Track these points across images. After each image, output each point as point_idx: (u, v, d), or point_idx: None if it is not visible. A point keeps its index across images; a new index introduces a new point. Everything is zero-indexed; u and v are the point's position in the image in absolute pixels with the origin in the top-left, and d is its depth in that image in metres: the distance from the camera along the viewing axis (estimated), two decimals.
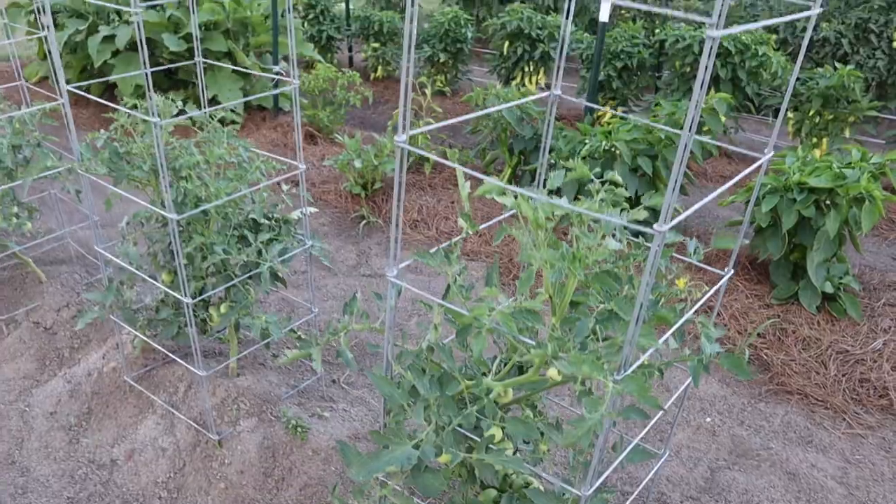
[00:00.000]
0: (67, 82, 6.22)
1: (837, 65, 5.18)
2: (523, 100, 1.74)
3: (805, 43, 1.39)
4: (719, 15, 0.96)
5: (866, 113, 5.18)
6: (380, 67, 7.31)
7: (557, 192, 3.77)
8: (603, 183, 1.60)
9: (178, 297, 2.27)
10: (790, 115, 5.49)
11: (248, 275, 2.45)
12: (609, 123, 4.15)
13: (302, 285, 3.72)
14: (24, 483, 2.56)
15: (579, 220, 1.40)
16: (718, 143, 1.61)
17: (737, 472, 2.67)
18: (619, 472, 2.62)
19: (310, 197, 2.94)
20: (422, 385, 1.47)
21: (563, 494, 1.64)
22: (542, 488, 1.68)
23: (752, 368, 3.26)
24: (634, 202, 3.84)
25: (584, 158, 3.77)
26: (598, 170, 3.65)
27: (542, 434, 1.67)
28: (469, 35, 6.73)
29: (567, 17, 1.57)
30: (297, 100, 2.38)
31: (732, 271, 1.69)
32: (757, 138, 6.34)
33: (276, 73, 5.67)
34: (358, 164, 4.20)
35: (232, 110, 5.72)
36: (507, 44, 6.25)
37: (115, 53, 5.73)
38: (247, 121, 5.78)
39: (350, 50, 7.92)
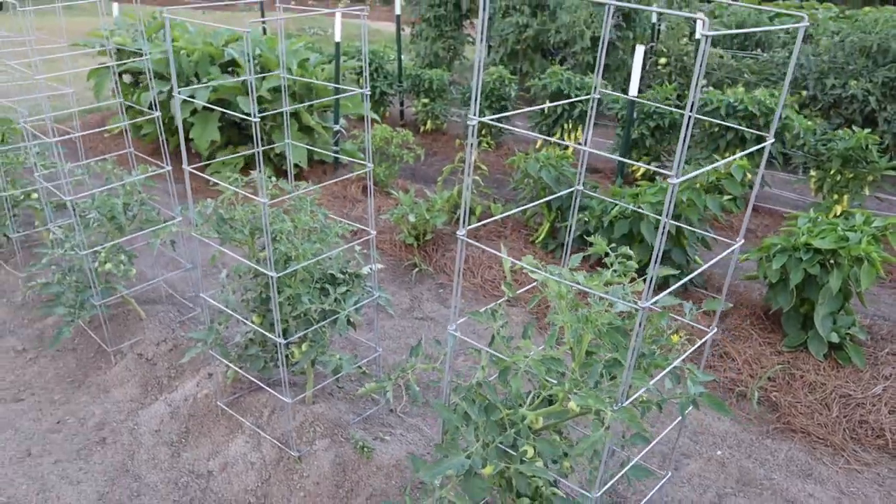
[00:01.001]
0: (145, 136, 6.90)
1: (855, 128, 5.57)
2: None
3: (788, 76, 1.87)
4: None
5: (884, 172, 5.56)
6: (429, 121, 7.91)
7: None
8: (617, 255, 2.09)
9: (272, 337, 2.79)
10: (812, 173, 5.89)
11: (327, 320, 2.97)
12: (640, 183, 4.62)
13: (363, 325, 4.23)
14: (137, 488, 3.09)
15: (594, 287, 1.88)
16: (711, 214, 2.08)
17: (741, 499, 3.07)
18: (634, 493, 3.04)
19: (376, 254, 3.45)
20: (472, 411, 1.95)
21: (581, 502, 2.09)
22: (563, 495, 2.14)
23: (762, 409, 3.66)
24: (663, 257, 4.28)
25: (614, 218, 4.24)
26: (626, 230, 4.13)
27: (565, 454, 2.13)
28: (513, 94, 7.29)
29: (597, 74, 2.07)
30: (371, 188, 2.91)
31: (716, 329, 2.15)
32: (783, 194, 6.73)
33: (336, 132, 6.28)
34: (412, 217, 4.72)
35: (297, 164, 6.34)
36: (548, 103, 6.78)
37: (193, 112, 6.40)
38: (310, 173, 6.38)
39: (401, 105, 8.54)
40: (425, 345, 3.95)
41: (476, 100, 1.73)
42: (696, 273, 1.95)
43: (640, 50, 4.39)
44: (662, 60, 8.94)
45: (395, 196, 5.17)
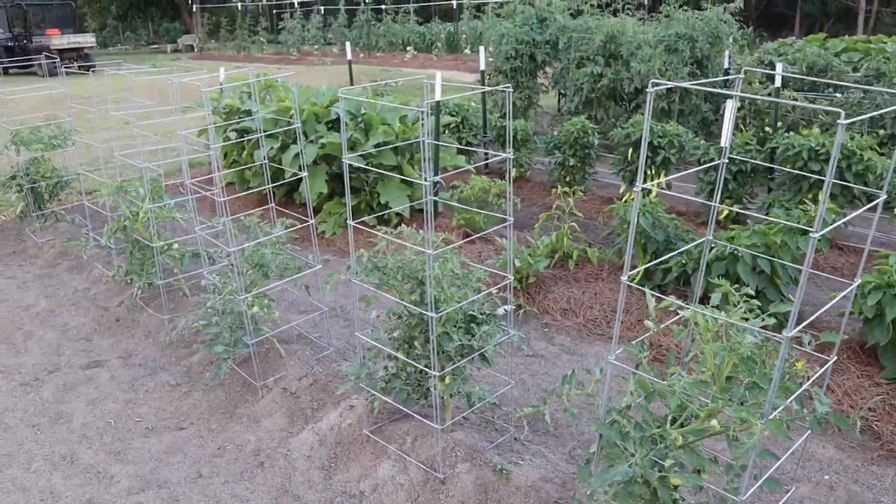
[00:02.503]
0: (250, 186, 7.48)
1: None
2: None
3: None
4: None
5: None
6: (514, 170, 8.35)
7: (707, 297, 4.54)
8: (742, 294, 2.44)
9: (428, 370, 3.20)
10: None
11: (466, 357, 3.36)
12: (726, 224, 4.93)
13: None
14: None
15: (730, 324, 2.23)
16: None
17: None
18: None
19: (513, 305, 3.85)
20: (631, 428, 2.31)
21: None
22: None
23: (865, 437, 3.88)
24: (756, 295, 4.57)
25: (711, 261, 4.56)
26: (722, 271, 4.44)
27: (702, 468, 2.46)
28: (595, 142, 7.68)
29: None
30: (511, 247, 3.31)
31: (835, 357, 2.46)
32: (863, 230, 6.92)
33: (436, 184, 6.75)
34: (517, 262, 5.12)
35: (398, 213, 6.83)
36: (630, 150, 7.14)
37: (300, 167, 6.97)
38: (411, 221, 6.86)
39: (486, 155, 9.02)
40: (547, 375, 4.29)
41: (628, 257, 2.11)
42: (822, 311, 2.28)
43: (730, 104, 4.73)
44: (737, 105, 9.22)
45: (497, 243, 5.58)
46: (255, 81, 6.34)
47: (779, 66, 7.00)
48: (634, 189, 2.26)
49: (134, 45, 40.82)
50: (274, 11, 33.54)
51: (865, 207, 2.56)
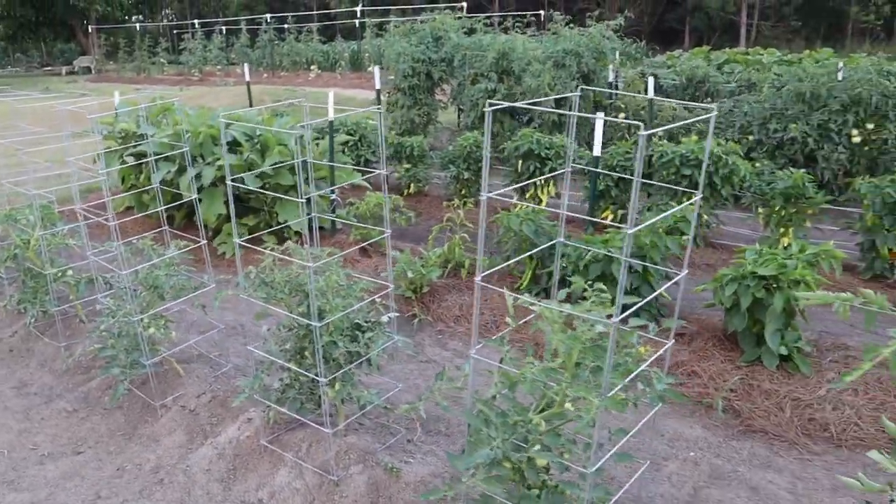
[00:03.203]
0: (151, 215, 7.45)
1: (793, 169, 6.33)
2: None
3: (710, 135, 2.51)
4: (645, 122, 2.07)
5: (822, 206, 6.31)
6: (412, 185, 8.60)
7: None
8: (593, 289, 2.71)
9: (316, 378, 3.36)
10: (760, 210, 6.62)
11: (354, 363, 3.54)
12: (608, 231, 5.29)
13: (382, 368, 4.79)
14: None
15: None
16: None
17: (713, 490, 3.65)
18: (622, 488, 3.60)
19: (396, 313, 4.05)
20: (493, 416, 2.54)
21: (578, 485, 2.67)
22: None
23: (727, 416, 4.26)
24: (630, 291, 4.94)
25: (589, 263, 4.89)
26: (599, 272, 4.77)
27: (566, 448, 2.71)
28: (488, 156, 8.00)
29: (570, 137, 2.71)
30: (389, 253, 3.53)
31: (673, 341, 2.77)
32: (738, 231, 7.47)
33: (332, 201, 6.92)
34: (410, 273, 5.34)
35: (297, 231, 6.94)
36: (520, 162, 7.49)
37: (200, 189, 7.01)
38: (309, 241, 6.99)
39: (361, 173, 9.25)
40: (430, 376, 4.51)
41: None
42: (649, 298, 2.58)
43: (599, 121, 5.10)
44: (622, 115, 9.76)
45: (393, 256, 5.78)
46: (146, 105, 6.36)
47: (650, 80, 7.49)
48: (480, 197, 2.50)
49: (26, 68, 39.25)
50: (174, 31, 32.98)
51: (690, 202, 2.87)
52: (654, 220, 2.24)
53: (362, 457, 3.68)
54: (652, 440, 4.07)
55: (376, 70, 8.95)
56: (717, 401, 4.24)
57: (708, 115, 2.34)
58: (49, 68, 37.27)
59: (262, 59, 26.22)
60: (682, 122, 2.33)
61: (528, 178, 7.41)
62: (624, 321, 2.63)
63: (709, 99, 11.26)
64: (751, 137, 8.89)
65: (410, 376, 4.80)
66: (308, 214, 3.79)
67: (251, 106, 9.56)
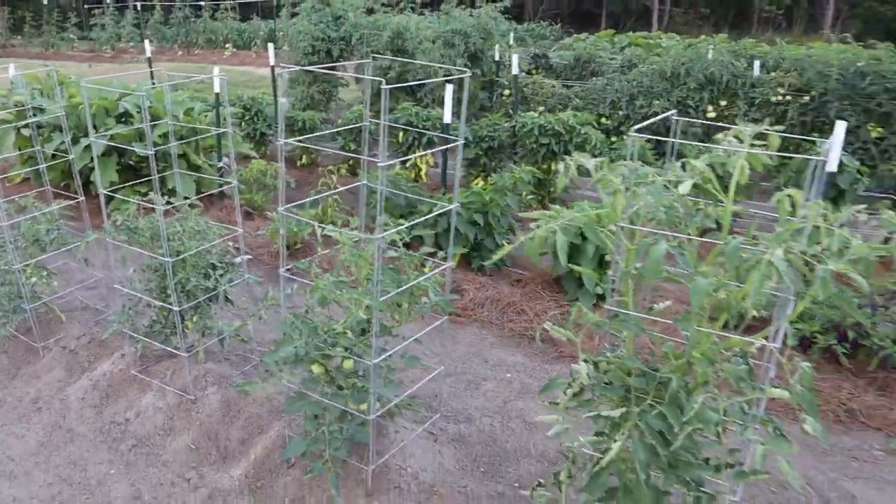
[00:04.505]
0: (51, 180, 7.78)
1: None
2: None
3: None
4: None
5: None
6: (304, 156, 9.10)
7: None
8: (398, 226, 3.32)
9: (171, 307, 3.90)
10: None
11: (208, 295, 4.09)
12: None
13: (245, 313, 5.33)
14: (70, 436, 4.09)
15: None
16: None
17: (519, 402, 4.34)
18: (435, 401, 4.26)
19: (248, 252, 4.59)
20: (301, 325, 3.14)
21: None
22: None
23: (545, 345, 4.98)
24: (473, 245, 5.61)
25: (439, 216, 5.53)
26: (446, 225, 5.40)
27: (364, 350, 3.33)
28: (371, 128, 8.56)
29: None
30: (237, 191, 4.09)
31: (453, 264, 3.41)
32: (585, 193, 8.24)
33: (220, 168, 7.38)
34: (283, 231, 5.86)
35: (186, 197, 7.38)
36: (402, 133, 8.09)
37: (93, 158, 7.37)
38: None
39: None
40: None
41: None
42: (417, 222, 3.20)
43: (449, 88, 5.72)
44: (507, 92, 10.45)
45: (271, 217, 6.31)
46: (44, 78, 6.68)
47: (514, 57, 8.16)
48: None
49: None
50: (85, 6, 32.23)
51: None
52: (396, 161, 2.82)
53: (218, 380, 4.24)
54: (478, 365, 4.76)
55: (270, 47, 9.36)
56: (537, 332, 4.94)
57: (461, 76, 2.96)
58: None
59: (176, 36, 26.02)
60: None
61: (408, 149, 8.01)
62: (416, 250, 3.29)
63: (594, 77, 12.06)
64: (620, 112, 9.70)
65: (276, 318, 5.35)
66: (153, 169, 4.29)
67: (153, 83, 9.85)
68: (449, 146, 5.59)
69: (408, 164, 8.05)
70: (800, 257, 1.94)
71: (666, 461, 2.35)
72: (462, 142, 3.31)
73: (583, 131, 7.23)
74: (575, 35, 21.68)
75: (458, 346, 4.93)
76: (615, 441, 2.30)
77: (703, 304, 2.14)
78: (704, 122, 7.62)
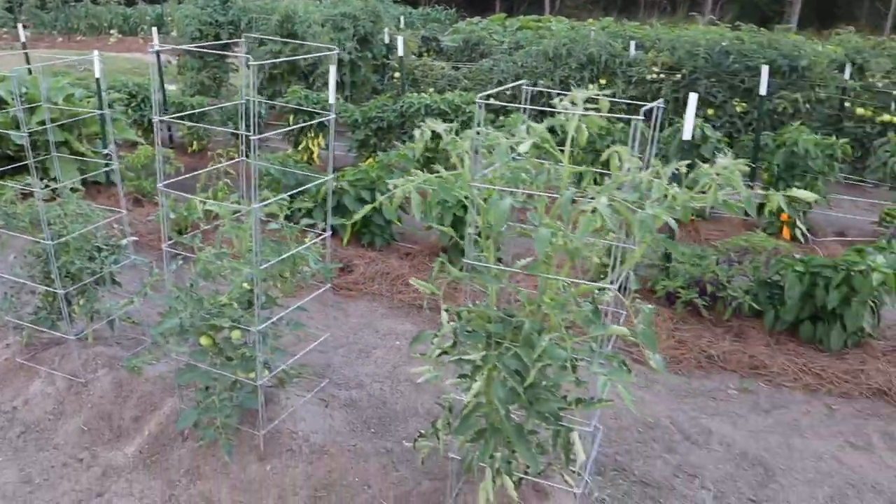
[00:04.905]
0: None
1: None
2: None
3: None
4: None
5: None
6: (195, 143, 9.01)
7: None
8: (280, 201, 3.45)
9: (55, 290, 3.90)
10: None
11: (94, 278, 4.11)
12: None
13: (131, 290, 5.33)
14: None
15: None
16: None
17: (406, 367, 4.55)
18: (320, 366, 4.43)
19: (134, 234, 4.61)
20: (186, 297, 3.24)
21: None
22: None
23: (432, 313, 5.21)
24: (363, 221, 5.78)
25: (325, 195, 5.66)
26: (336, 202, 5.54)
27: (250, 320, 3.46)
28: (263, 112, 8.58)
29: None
30: (118, 173, 4.12)
31: (330, 232, 3.58)
32: None
33: (107, 155, 7.25)
34: (172, 216, 5.87)
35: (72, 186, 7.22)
36: (292, 116, 8.15)
37: None
38: (86, 195, 7.29)
39: (169, 129, 9.56)
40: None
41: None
42: (288, 194, 3.35)
43: (332, 69, 5.85)
44: (397, 74, 10.61)
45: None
46: None
47: (400, 39, 8.34)
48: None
49: None
50: None
51: None
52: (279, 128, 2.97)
53: (109, 362, 4.26)
54: (369, 335, 4.95)
55: (154, 31, 9.20)
56: (424, 302, 5.17)
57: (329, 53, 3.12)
58: None
59: (55, 21, 24.86)
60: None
61: (300, 132, 8.08)
62: (297, 223, 3.43)
63: (483, 59, 12.36)
64: (507, 93, 10.02)
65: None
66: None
67: (29, 71, 9.50)
68: (320, 120, 5.73)
69: (300, 148, 8.12)
70: (623, 204, 2.21)
71: (526, 399, 2.60)
72: (332, 116, 3.47)
73: (468, 110, 7.48)
74: (468, 19, 22.04)
75: (349, 319, 5.10)
76: (475, 381, 2.53)
77: (546, 252, 2.39)
78: (550, 90, 8.00)
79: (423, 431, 3.22)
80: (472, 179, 2.51)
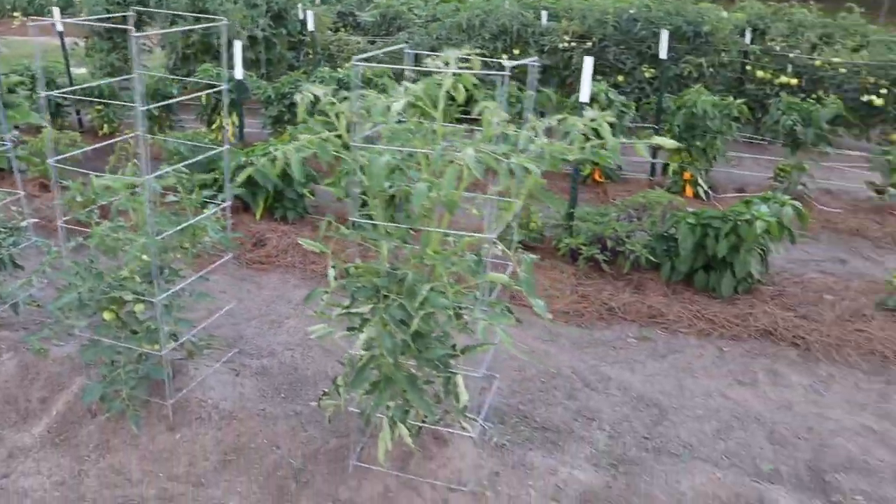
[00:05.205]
0: None
1: None
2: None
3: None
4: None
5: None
6: (105, 125, 8.82)
7: None
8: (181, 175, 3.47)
9: None
10: None
11: None
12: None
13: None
14: None
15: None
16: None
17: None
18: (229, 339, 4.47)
19: (37, 220, 4.55)
20: (84, 271, 3.24)
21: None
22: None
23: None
24: (275, 195, 5.80)
25: (237, 169, 5.66)
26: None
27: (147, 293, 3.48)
28: (176, 91, 8.45)
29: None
30: (14, 156, 4.06)
31: (230, 202, 3.63)
32: None
33: (11, 141, 7.05)
34: (79, 198, 5.78)
35: None
36: (205, 96, 8.05)
37: None
38: None
39: (78, 113, 9.32)
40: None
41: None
42: (185, 163, 3.39)
43: (237, 44, 5.82)
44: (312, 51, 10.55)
45: (67, 186, 6.17)
46: None
47: (310, 14, 8.30)
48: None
49: None
50: None
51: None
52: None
53: (14, 346, 4.22)
54: (281, 306, 5.00)
55: (56, 11, 8.92)
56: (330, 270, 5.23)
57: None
58: None
59: None
60: None
61: (213, 110, 8.00)
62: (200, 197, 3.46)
63: (400, 32, 12.36)
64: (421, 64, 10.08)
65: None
66: None
67: None
68: (213, 90, 5.71)
69: (213, 126, 8.04)
70: (490, 155, 2.33)
71: (415, 348, 2.73)
72: (226, 86, 3.51)
73: (380, 83, 7.52)
74: None
75: (262, 291, 5.15)
76: (362, 332, 2.64)
77: (423, 205, 2.51)
78: (426, 52, 8.10)
79: (326, 390, 3.32)
80: (352, 140, 2.60)
